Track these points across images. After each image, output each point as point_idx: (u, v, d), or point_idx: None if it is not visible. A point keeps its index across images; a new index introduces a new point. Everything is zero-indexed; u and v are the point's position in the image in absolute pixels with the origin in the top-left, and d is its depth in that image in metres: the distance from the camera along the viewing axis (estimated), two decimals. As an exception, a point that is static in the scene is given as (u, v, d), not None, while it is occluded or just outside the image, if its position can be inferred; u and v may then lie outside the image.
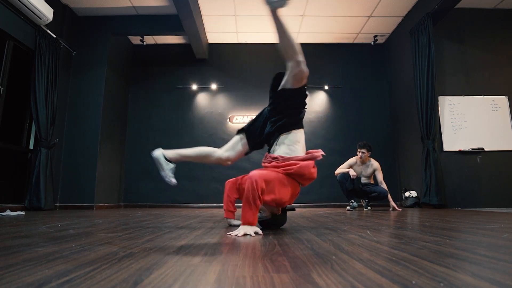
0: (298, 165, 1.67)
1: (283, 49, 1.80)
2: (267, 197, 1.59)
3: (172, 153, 1.87)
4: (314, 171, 1.73)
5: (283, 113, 1.81)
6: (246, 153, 1.95)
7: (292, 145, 1.76)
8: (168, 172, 1.83)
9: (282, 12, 1.70)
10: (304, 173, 1.67)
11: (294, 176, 1.68)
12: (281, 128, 1.80)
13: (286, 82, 1.82)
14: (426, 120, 4.40)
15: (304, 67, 1.77)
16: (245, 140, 1.92)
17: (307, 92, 1.88)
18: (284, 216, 1.87)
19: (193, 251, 1.06)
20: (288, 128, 1.80)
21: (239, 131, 1.95)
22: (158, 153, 1.85)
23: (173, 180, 1.83)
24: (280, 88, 1.84)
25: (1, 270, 0.77)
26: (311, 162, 1.72)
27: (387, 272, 0.73)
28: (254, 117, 1.99)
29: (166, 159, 1.84)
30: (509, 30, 4.86)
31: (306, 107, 1.90)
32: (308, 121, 5.65)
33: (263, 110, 1.96)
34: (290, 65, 1.78)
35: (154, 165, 6.05)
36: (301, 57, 1.77)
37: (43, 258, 0.92)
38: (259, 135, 1.89)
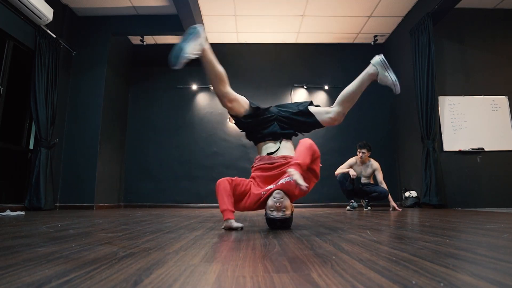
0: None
1: (348, 99, 1.85)
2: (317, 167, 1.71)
3: (209, 45, 1.74)
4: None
5: (295, 127, 1.94)
6: (235, 116, 1.93)
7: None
8: (193, 51, 1.64)
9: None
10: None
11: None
12: (288, 136, 1.93)
13: (320, 115, 1.89)
14: (426, 120, 4.40)
15: (343, 119, 1.88)
16: (247, 110, 1.93)
17: (261, 109, 1.96)
18: (291, 216, 1.86)
19: (193, 251, 1.06)
20: (292, 135, 1.95)
21: (251, 104, 1.95)
22: (203, 32, 1.69)
23: (181, 64, 1.64)
24: (309, 110, 1.90)
25: (1, 270, 0.77)
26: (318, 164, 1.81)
27: (387, 272, 0.73)
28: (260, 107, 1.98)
29: (201, 47, 1.68)
30: (509, 30, 4.86)
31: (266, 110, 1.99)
32: (308, 121, 5.65)
33: (272, 109, 1.97)
34: (336, 110, 1.85)
35: (154, 165, 5.98)
36: (347, 111, 1.87)
37: (43, 258, 0.92)
38: (259, 126, 1.93)
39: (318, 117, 1.88)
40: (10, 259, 0.90)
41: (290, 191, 1.71)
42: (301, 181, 1.49)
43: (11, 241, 1.28)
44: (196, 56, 1.66)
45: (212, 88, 5.85)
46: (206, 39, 1.69)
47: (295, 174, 1.51)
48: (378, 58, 1.83)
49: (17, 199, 3.99)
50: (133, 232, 1.62)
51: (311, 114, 1.89)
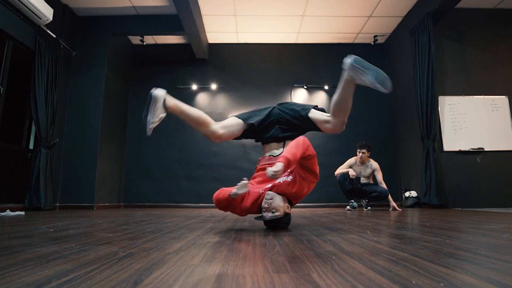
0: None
1: (339, 109, 1.77)
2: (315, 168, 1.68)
3: (173, 102, 1.72)
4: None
5: (295, 130, 1.93)
6: (236, 138, 1.93)
7: None
8: (155, 119, 1.65)
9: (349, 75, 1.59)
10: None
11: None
12: (290, 138, 1.91)
13: (320, 124, 1.87)
14: (426, 120, 4.40)
15: (344, 127, 1.81)
16: (242, 128, 1.90)
17: (258, 120, 1.92)
18: (289, 215, 1.85)
19: (193, 251, 1.06)
20: (294, 137, 1.88)
21: (242, 119, 1.91)
22: (161, 93, 1.68)
23: (150, 131, 1.65)
24: (309, 117, 1.89)
25: (1, 270, 0.77)
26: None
27: (387, 272, 0.73)
28: (261, 110, 1.96)
29: (164, 104, 1.68)
30: (509, 30, 4.86)
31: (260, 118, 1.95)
32: (308, 121, 5.65)
33: (273, 111, 1.96)
34: (333, 121, 1.81)
35: (154, 165, 6.00)
36: (346, 119, 1.79)
37: (43, 258, 0.92)
38: (261, 132, 1.92)
39: (318, 125, 1.88)
40: (10, 259, 0.90)
41: (286, 191, 1.70)
42: (273, 168, 1.45)
43: (11, 241, 1.28)
44: (161, 118, 1.68)
45: (212, 88, 5.85)
46: (166, 97, 1.69)
47: (277, 164, 1.48)
48: (348, 61, 1.58)
49: (17, 199, 3.99)
50: (133, 232, 1.62)
51: (311, 122, 1.89)
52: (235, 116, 1.93)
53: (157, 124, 1.66)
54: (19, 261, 0.88)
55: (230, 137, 1.90)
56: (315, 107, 1.95)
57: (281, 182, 1.73)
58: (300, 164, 1.68)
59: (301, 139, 1.64)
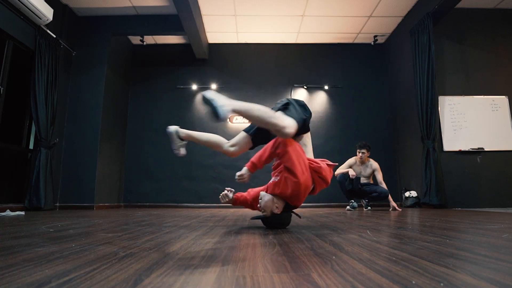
0: (319, 165, 1.71)
1: (262, 126, 1.66)
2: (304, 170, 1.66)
3: (184, 133, 2.01)
4: (330, 175, 1.76)
5: None
6: (250, 148, 2.02)
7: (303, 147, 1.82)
8: (177, 147, 2.00)
9: (227, 115, 1.52)
10: (324, 175, 1.70)
11: (313, 173, 1.70)
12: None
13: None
14: (426, 120, 4.40)
15: (288, 131, 1.56)
16: (249, 140, 1.97)
17: (307, 118, 1.80)
18: (290, 216, 1.86)
19: (193, 251, 1.06)
20: (295, 135, 1.81)
21: (247, 132, 1.99)
22: (173, 129, 2.01)
23: (182, 152, 2.02)
24: None
25: (1, 270, 0.77)
26: (328, 168, 1.76)
27: (387, 272, 0.73)
28: None
29: (179, 136, 1.98)
30: (509, 30, 4.86)
31: (309, 115, 1.81)
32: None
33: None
34: (276, 134, 1.67)
35: (154, 165, 6.01)
36: (280, 123, 1.55)
37: (43, 258, 0.92)
38: (265, 138, 1.92)
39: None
40: (10, 259, 0.90)
41: (273, 191, 1.74)
42: (238, 172, 1.79)
43: (11, 241, 1.28)
44: (184, 144, 2.03)
45: (212, 88, 5.86)
46: (178, 130, 2.02)
47: (243, 168, 1.77)
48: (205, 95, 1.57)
49: (17, 199, 3.99)
50: (133, 232, 1.62)
51: None
52: (243, 130, 2.03)
53: (182, 148, 2.03)
54: (19, 261, 0.88)
55: (244, 150, 2.00)
56: (285, 105, 1.79)
57: (271, 182, 1.80)
58: (283, 165, 1.66)
59: (275, 140, 1.66)
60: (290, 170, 1.61)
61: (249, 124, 2.05)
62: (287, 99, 1.84)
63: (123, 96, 5.63)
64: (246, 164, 1.75)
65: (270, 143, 1.70)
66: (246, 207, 2.12)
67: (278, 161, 1.82)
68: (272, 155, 1.68)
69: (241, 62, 5.98)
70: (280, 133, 1.58)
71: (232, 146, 1.98)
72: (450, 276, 0.69)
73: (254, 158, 1.75)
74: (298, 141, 1.85)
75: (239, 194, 2.11)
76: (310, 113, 1.82)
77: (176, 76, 5.88)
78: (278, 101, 1.86)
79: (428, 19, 4.43)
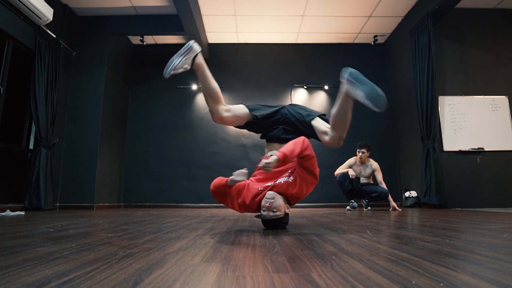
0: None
1: (337, 122, 1.69)
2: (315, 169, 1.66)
3: (202, 61, 1.80)
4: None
5: (298, 134, 1.86)
6: (237, 126, 1.94)
7: None
8: (179, 66, 1.73)
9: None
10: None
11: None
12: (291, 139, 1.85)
13: (319, 134, 1.82)
14: (426, 120, 4.40)
15: (341, 143, 1.75)
16: (247, 118, 1.90)
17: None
18: (288, 216, 1.85)
19: (193, 251, 1.06)
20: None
21: (249, 109, 1.91)
22: (197, 47, 1.77)
23: (169, 75, 1.72)
24: (312, 124, 1.85)
25: (1, 270, 0.77)
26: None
27: (387, 272, 0.73)
28: (270, 107, 1.96)
29: (194, 57, 1.76)
30: (509, 30, 4.86)
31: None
32: (308, 121, 5.65)
33: (282, 111, 1.94)
34: (331, 134, 1.73)
35: (154, 165, 5.98)
36: (345, 134, 1.72)
37: (43, 258, 0.92)
38: (265, 128, 1.92)
39: (318, 135, 1.84)
40: (10, 259, 0.90)
41: (287, 191, 1.71)
42: (267, 160, 1.53)
43: (11, 241, 1.28)
44: (184, 69, 1.75)
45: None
46: (200, 55, 1.78)
47: (272, 156, 1.55)
48: (344, 75, 1.53)
49: (17, 199, 3.99)
50: (133, 232, 1.62)
51: (313, 130, 1.85)
52: (244, 104, 1.94)
53: (178, 72, 1.73)
54: (19, 261, 0.88)
55: (232, 123, 1.89)
56: (322, 116, 1.89)
57: (282, 182, 1.73)
58: (300, 165, 1.68)
59: (301, 138, 1.65)
60: (313, 173, 1.68)
61: (255, 103, 1.97)
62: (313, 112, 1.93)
63: (123, 96, 5.63)
64: (277, 154, 1.56)
65: (298, 141, 1.62)
66: (228, 202, 1.83)
67: (288, 163, 1.78)
68: (302, 153, 1.61)
69: (241, 62, 5.98)
70: (340, 141, 1.72)
71: (226, 110, 1.86)
72: (450, 276, 0.69)
73: (286, 151, 1.58)
74: None
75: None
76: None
77: (176, 76, 5.85)
78: (309, 110, 1.93)
79: (428, 19, 4.43)
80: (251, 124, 1.93)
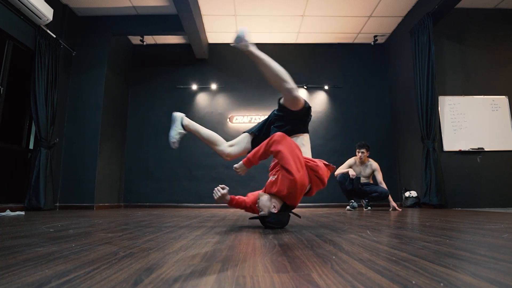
0: (316, 163, 1.72)
1: (270, 81, 1.74)
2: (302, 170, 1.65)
3: (189, 122, 2.02)
4: (327, 175, 1.76)
5: (287, 121, 1.86)
6: (248, 152, 2.01)
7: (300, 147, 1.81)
8: (175, 134, 1.98)
9: (253, 48, 1.65)
10: (320, 174, 1.71)
11: (310, 172, 1.71)
12: (288, 132, 1.84)
13: (285, 104, 1.83)
14: (426, 120, 4.40)
15: (297, 93, 1.72)
16: (250, 140, 2.01)
17: (308, 106, 1.86)
18: (288, 216, 1.86)
19: (193, 251, 1.06)
20: (293, 133, 1.86)
21: (248, 132, 2.03)
22: (179, 115, 2.01)
23: (176, 144, 1.98)
24: (280, 103, 1.88)
25: (1, 270, 0.77)
26: (325, 168, 1.77)
27: (387, 272, 0.73)
28: (261, 119, 2.05)
29: (182, 124, 1.99)
30: (509, 30, 4.86)
31: (311, 113, 1.92)
32: (308, 121, 5.65)
33: (270, 114, 2.02)
34: (282, 93, 1.75)
35: (154, 165, 6.00)
36: (291, 84, 1.69)
37: (43, 258, 0.92)
38: (267, 135, 1.93)
39: (288, 107, 1.82)
40: (10, 259, 0.90)
41: (270, 190, 1.75)
42: (235, 165, 1.79)
43: (11, 241, 1.28)
44: (182, 134, 2.02)
45: (212, 88, 5.86)
46: (183, 118, 2.03)
47: (240, 162, 1.77)
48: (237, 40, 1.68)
49: (17, 199, 3.99)
50: (133, 232, 1.62)
51: (285, 107, 1.84)
52: (245, 131, 2.07)
53: (178, 139, 1.99)
54: (19, 261, 0.88)
55: (241, 153, 2.00)
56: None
57: (268, 181, 1.81)
58: (280, 163, 1.67)
59: (270, 137, 1.68)
60: (285, 168, 1.62)
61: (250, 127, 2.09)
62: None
63: (123, 96, 5.63)
64: (243, 160, 1.77)
65: (265, 141, 1.70)
66: (243, 209, 2.08)
67: (276, 161, 1.83)
68: (266, 151, 1.67)
69: (241, 62, 5.98)
70: (289, 95, 1.68)
71: (230, 145, 1.98)
72: (450, 276, 0.69)
73: (249, 154, 1.77)
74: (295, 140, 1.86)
75: (236, 196, 2.06)
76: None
77: (176, 76, 5.89)
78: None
79: (428, 19, 4.43)
80: (256, 141, 2.01)
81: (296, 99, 1.71)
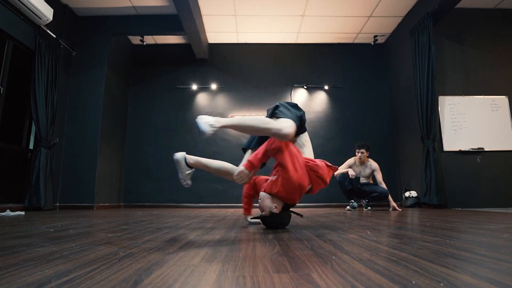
0: (315, 163, 1.70)
1: (255, 134, 1.75)
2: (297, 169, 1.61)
3: (193, 159, 1.90)
4: (328, 175, 1.75)
5: None
6: (261, 167, 1.89)
7: (300, 148, 1.81)
8: (185, 176, 1.88)
9: (211, 124, 1.57)
10: (321, 173, 1.70)
11: (310, 172, 1.69)
12: None
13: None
14: (426, 120, 4.40)
15: (285, 131, 1.56)
16: None
17: (302, 115, 1.80)
18: (289, 216, 1.86)
19: (193, 251, 1.06)
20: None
21: (251, 148, 1.97)
22: (180, 156, 1.88)
23: (189, 183, 1.90)
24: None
25: (1, 270, 0.77)
26: (327, 168, 1.75)
27: (387, 272, 0.73)
28: None
29: (186, 163, 1.87)
30: (509, 30, 4.86)
31: (303, 113, 1.82)
32: (308, 121, 5.63)
33: None
34: (274, 137, 1.65)
35: (154, 165, 6.00)
36: (275, 125, 1.57)
37: (43, 258, 0.92)
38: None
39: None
40: (10, 259, 0.90)
41: (271, 190, 1.73)
42: (235, 174, 1.69)
43: (11, 241, 1.28)
44: (191, 172, 1.92)
45: (212, 88, 5.86)
46: (186, 157, 1.91)
47: (239, 168, 1.69)
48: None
49: (17, 199, 3.99)
50: (133, 232, 1.62)
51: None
52: (242, 147, 2.06)
53: (189, 179, 1.92)
54: (19, 261, 0.88)
55: (254, 173, 1.90)
56: (275, 108, 1.78)
57: (268, 181, 1.78)
58: (278, 162, 1.67)
59: (270, 138, 1.67)
60: (283, 167, 1.62)
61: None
62: (278, 103, 1.83)
63: (123, 96, 5.63)
64: (244, 164, 1.68)
65: (266, 141, 1.69)
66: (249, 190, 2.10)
67: (277, 162, 1.81)
68: (267, 152, 1.65)
69: (241, 62, 5.98)
70: (279, 136, 1.58)
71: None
72: (450, 276, 0.69)
73: (250, 157, 1.70)
74: (294, 142, 1.84)
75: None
76: (303, 111, 1.83)
77: (176, 76, 5.88)
78: (268, 108, 1.84)
79: (428, 19, 4.43)
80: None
81: (287, 136, 1.58)
